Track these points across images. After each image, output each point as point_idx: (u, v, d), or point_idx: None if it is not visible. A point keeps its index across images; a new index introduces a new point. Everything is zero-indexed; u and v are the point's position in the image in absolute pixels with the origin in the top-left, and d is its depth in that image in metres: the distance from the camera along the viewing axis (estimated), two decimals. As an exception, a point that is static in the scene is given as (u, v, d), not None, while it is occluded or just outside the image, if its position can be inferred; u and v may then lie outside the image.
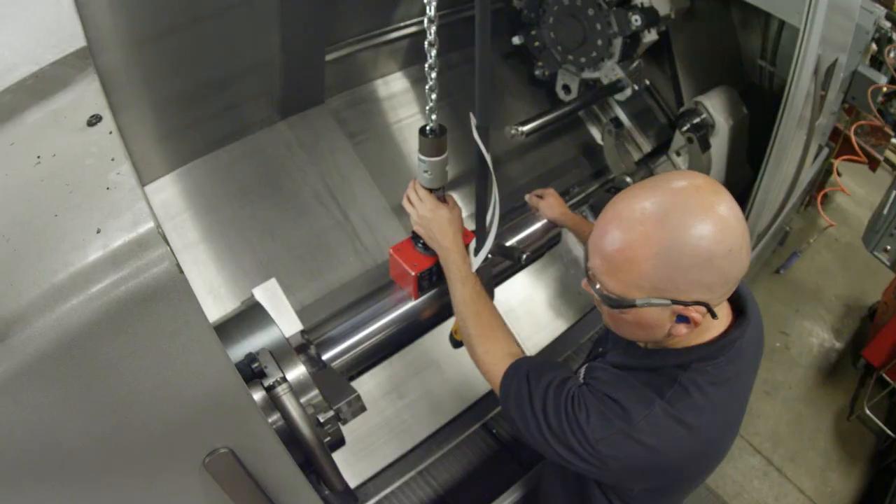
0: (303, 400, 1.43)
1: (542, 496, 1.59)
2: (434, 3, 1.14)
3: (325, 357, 1.62)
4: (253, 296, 1.57)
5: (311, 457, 1.35)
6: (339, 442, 1.56)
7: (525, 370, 1.21)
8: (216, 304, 1.93)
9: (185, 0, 1.64)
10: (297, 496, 1.06)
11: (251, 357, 1.29)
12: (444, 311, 1.70)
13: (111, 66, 1.62)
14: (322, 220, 2.03)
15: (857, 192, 3.93)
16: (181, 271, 0.71)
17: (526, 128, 1.89)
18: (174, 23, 1.69)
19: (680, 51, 2.55)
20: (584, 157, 2.57)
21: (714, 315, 1.00)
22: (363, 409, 1.50)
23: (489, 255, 1.50)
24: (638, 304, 0.98)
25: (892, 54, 3.34)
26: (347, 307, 1.66)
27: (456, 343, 1.86)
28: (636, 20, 2.08)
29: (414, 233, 1.55)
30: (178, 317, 0.71)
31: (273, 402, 1.26)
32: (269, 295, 1.60)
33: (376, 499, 1.90)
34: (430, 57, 1.24)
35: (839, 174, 3.39)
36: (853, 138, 2.32)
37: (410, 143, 2.37)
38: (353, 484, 1.89)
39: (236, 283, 1.96)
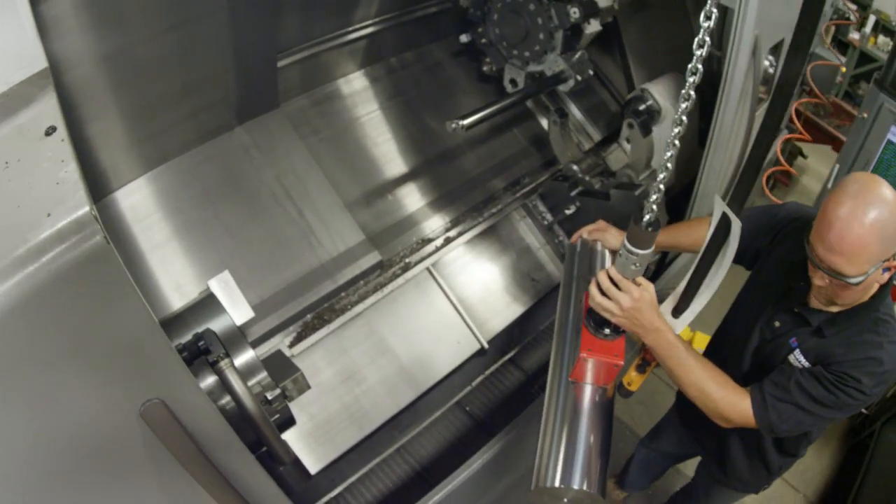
0: (252, 381, 1.70)
1: (722, 452, 1.94)
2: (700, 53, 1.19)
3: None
4: (208, 287, 1.85)
5: (257, 430, 1.62)
6: (288, 420, 1.83)
7: (760, 392, 1.59)
8: (182, 299, 2.19)
9: (144, 18, 1.91)
10: (228, 452, 1.32)
11: (198, 336, 1.56)
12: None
13: (80, 80, 1.87)
14: (279, 218, 2.30)
15: (823, 173, 4.15)
16: (109, 242, 0.98)
17: (466, 121, 2.14)
18: (135, 39, 1.97)
19: (630, 40, 2.81)
20: (534, 148, 2.81)
21: None
22: (308, 386, 1.77)
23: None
24: (870, 273, 1.43)
25: (855, 35, 3.59)
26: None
27: (627, 393, 2.09)
28: (574, 13, 2.33)
29: (593, 324, 1.56)
30: (108, 278, 0.97)
31: (218, 377, 1.53)
32: (224, 286, 1.88)
33: (356, 476, 2.20)
34: (673, 145, 1.29)
35: (804, 156, 3.64)
36: (793, 116, 2.56)
37: (369, 138, 2.61)
38: (316, 467, 2.16)
39: (201, 279, 2.23)
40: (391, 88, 2.68)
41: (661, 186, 1.34)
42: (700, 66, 1.22)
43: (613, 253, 1.97)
